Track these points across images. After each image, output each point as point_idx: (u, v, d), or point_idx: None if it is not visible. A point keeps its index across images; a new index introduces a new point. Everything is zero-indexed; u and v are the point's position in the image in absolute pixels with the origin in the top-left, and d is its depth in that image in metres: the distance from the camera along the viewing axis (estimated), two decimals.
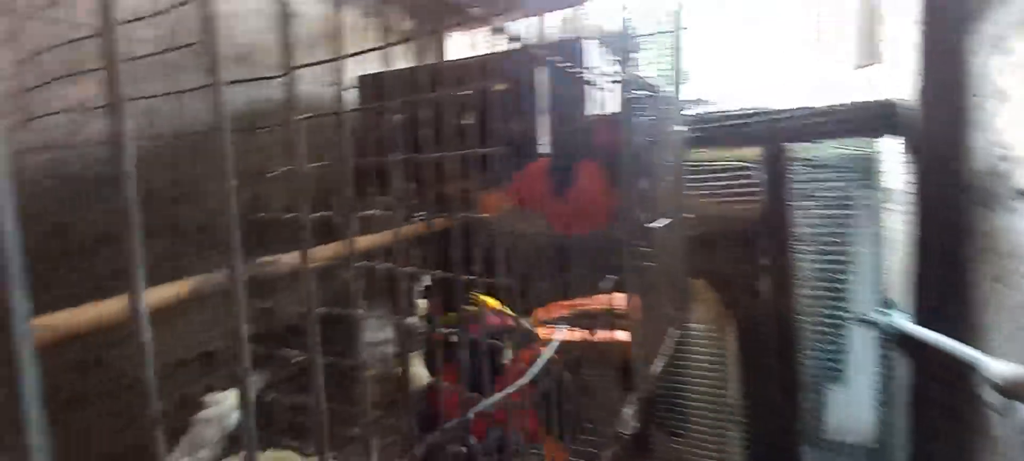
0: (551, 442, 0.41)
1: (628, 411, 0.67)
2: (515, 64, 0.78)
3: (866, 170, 1.47)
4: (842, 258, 1.51)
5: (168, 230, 0.82)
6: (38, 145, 0.72)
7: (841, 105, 1.30)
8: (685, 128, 1.21)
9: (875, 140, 1.41)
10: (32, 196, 0.70)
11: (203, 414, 0.43)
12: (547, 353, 0.36)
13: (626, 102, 0.67)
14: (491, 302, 0.77)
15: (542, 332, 0.74)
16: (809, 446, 1.61)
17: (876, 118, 1.27)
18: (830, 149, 1.42)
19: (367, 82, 1.22)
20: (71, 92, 0.74)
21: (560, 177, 0.48)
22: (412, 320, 0.38)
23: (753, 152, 1.44)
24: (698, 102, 1.49)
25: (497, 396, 0.33)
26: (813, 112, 1.32)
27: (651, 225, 0.78)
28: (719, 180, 1.46)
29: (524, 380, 0.35)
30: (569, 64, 0.67)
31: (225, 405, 0.45)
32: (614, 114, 0.66)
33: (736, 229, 1.45)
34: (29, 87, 0.70)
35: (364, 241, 0.55)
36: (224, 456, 0.39)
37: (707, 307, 1.56)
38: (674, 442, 1.70)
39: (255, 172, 0.85)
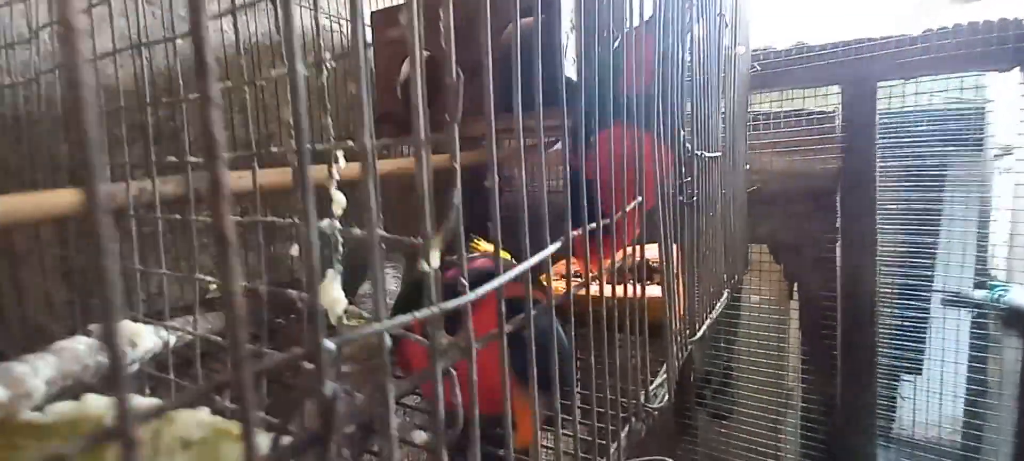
0: (520, 398, 0.28)
1: (658, 382, 0.53)
2: None
3: (970, 120, 1.22)
4: (933, 226, 1.28)
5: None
6: None
7: (946, 29, 1.05)
8: (747, 51, 1.01)
9: (986, 78, 1.15)
10: None
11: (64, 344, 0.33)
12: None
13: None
14: (482, 247, 0.63)
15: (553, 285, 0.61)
16: (882, 444, 1.40)
17: (995, 45, 1.01)
18: (928, 93, 1.17)
19: (380, 18, 1.11)
20: None
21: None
22: (328, 224, 0.25)
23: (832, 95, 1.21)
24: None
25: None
26: (908, 41, 1.08)
27: (703, 155, 0.62)
28: (789, 128, 1.24)
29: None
30: None
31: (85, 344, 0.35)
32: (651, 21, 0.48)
33: (807, 187, 1.23)
34: None
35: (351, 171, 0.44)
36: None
37: (767, 277, 1.36)
38: (719, 426, 1.53)
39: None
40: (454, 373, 0.23)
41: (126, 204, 0.46)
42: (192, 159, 0.42)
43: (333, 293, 0.29)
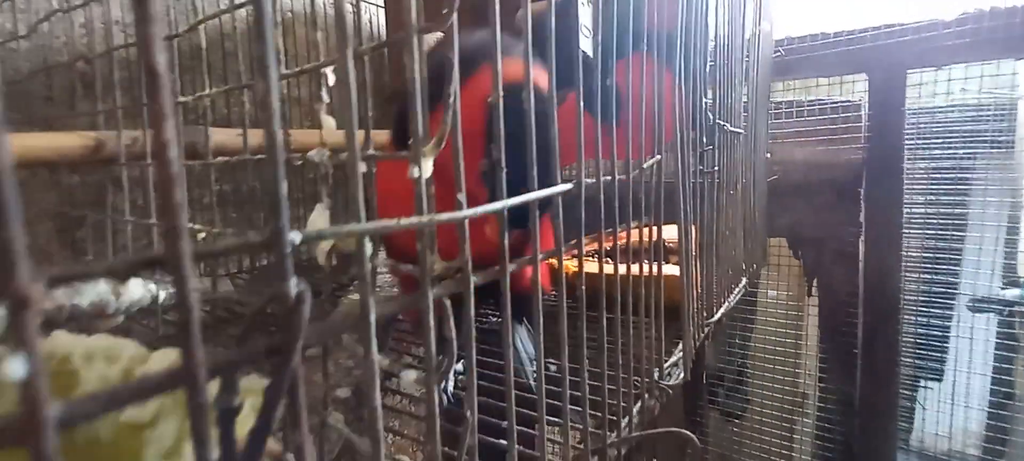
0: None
1: (673, 360, 0.50)
2: None
3: (1000, 117, 1.17)
4: (960, 227, 1.22)
5: None
6: None
7: (983, 12, 0.99)
8: (771, 29, 0.97)
9: (1020, 74, 1.09)
10: None
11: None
12: None
13: None
14: None
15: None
16: (901, 448, 1.34)
17: None
18: (961, 79, 1.12)
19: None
20: None
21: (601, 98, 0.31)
22: (317, 153, 0.22)
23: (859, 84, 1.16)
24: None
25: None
26: (942, 26, 1.03)
27: (725, 127, 0.59)
28: (812, 117, 1.19)
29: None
30: None
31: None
32: None
33: (830, 179, 1.18)
34: None
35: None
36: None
37: (785, 272, 1.32)
38: (732, 425, 1.49)
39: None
40: (447, 303, 0.21)
41: (117, 152, 0.44)
42: (182, 98, 0.39)
43: (320, 225, 0.27)
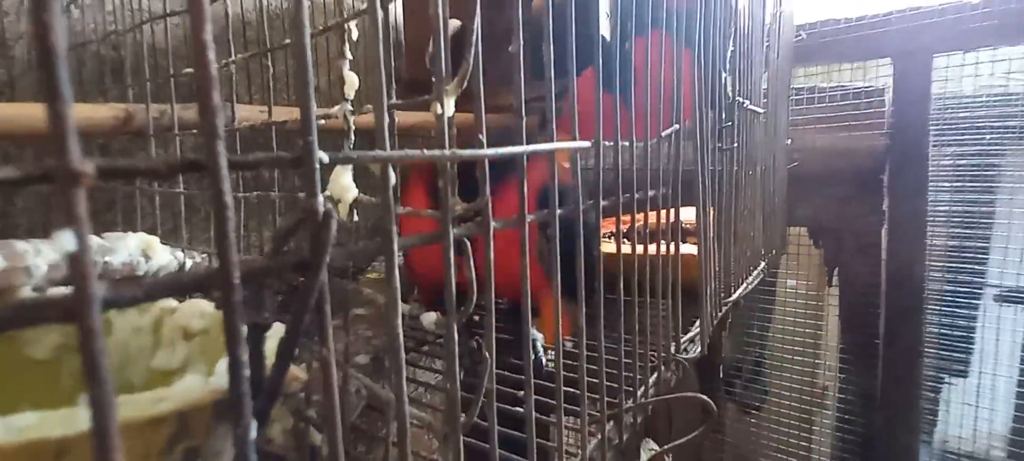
0: (547, 300, 0.25)
1: (690, 336, 0.50)
2: None
3: None
4: (987, 217, 1.19)
5: None
6: None
7: None
8: (791, 11, 0.95)
9: None
10: None
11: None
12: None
13: None
14: None
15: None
16: (925, 442, 1.31)
17: None
18: (988, 63, 1.08)
19: None
20: None
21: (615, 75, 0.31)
22: (340, 109, 0.23)
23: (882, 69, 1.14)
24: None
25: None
26: (970, 8, 1.00)
27: (744, 103, 0.58)
28: (833, 104, 1.17)
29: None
30: None
31: (118, 244, 0.34)
32: None
33: (851, 167, 1.16)
34: None
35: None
36: None
37: (804, 262, 1.30)
38: (749, 418, 1.47)
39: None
40: (468, 243, 0.21)
41: (145, 124, 0.46)
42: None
43: (343, 180, 0.27)
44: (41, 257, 0.27)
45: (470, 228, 0.21)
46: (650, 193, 0.39)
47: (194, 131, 0.46)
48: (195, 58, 0.12)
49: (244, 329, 0.14)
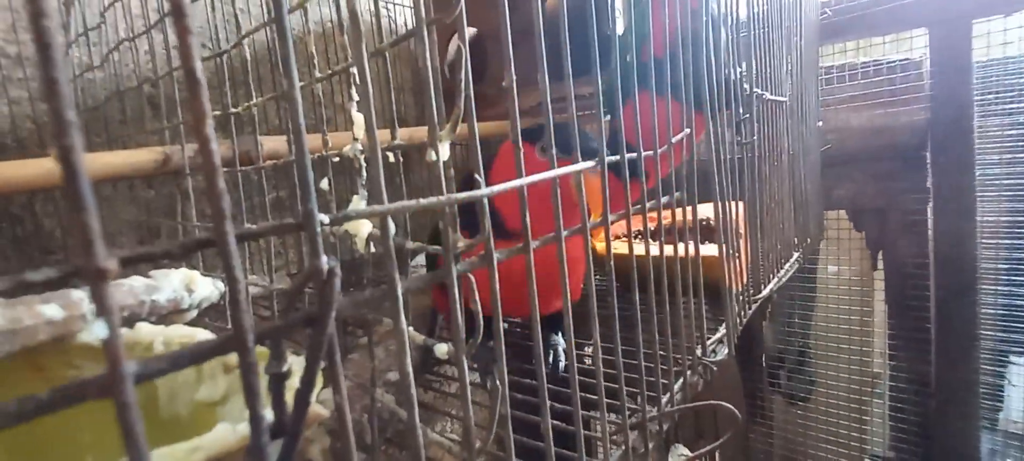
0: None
1: (717, 338, 0.49)
2: None
3: None
4: None
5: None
6: None
7: None
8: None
9: None
10: None
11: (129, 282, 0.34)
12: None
13: None
14: None
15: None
16: (986, 429, 1.25)
17: None
18: None
19: None
20: None
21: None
22: (350, 148, 0.24)
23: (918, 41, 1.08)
24: None
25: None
26: None
27: (763, 96, 0.57)
28: (867, 80, 1.12)
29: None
30: None
31: (162, 281, 0.36)
32: None
33: (891, 144, 1.11)
34: None
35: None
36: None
37: (845, 246, 1.25)
38: (797, 409, 1.43)
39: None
40: (472, 277, 0.22)
41: (182, 165, 0.49)
42: (233, 109, 0.43)
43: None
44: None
45: (473, 263, 0.22)
46: (664, 199, 0.39)
47: (225, 168, 0.49)
48: (201, 152, 0.13)
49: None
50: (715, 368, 0.45)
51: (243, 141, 0.50)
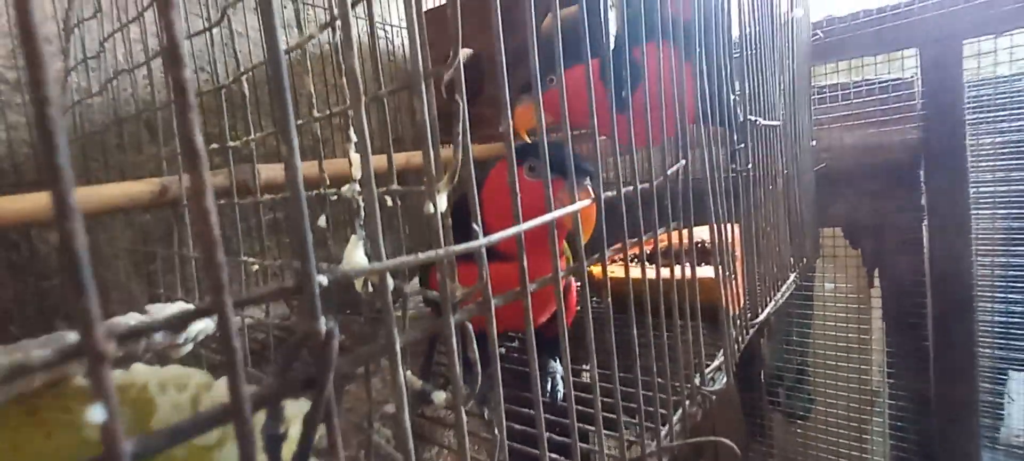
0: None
1: (714, 366, 0.49)
2: None
3: None
4: None
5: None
6: None
7: None
8: (806, 15, 0.93)
9: None
10: None
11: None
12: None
13: None
14: None
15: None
16: (987, 446, 1.24)
17: None
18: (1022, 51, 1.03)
19: (432, 18, 1.13)
20: None
21: (618, 74, 0.32)
22: (348, 189, 0.24)
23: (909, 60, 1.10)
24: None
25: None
26: None
27: (757, 122, 0.58)
28: (860, 99, 1.13)
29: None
30: None
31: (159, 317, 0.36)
32: None
33: (885, 162, 1.12)
34: None
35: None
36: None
37: (842, 263, 1.26)
38: (796, 427, 1.42)
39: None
40: (469, 326, 0.22)
41: (179, 195, 0.49)
42: (232, 143, 0.43)
43: (355, 257, 0.29)
44: None
45: (471, 311, 0.22)
46: (660, 231, 0.39)
47: (222, 200, 0.49)
48: (200, 223, 0.13)
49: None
50: (714, 397, 0.45)
51: (241, 170, 0.50)
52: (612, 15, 0.67)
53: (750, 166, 0.55)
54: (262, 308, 0.55)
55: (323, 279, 0.16)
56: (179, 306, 0.41)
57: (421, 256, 0.19)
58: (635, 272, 0.39)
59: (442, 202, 0.21)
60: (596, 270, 0.64)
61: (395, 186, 0.25)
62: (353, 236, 0.30)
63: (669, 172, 0.39)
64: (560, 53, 0.28)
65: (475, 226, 0.22)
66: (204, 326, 0.43)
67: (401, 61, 1.25)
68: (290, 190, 0.15)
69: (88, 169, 0.78)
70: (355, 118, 0.18)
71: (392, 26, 1.24)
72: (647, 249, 0.39)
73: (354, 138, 0.30)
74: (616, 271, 0.71)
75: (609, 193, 0.32)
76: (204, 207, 0.13)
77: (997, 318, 1.20)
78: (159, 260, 0.66)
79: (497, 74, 0.24)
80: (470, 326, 0.22)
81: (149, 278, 0.77)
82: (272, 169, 0.58)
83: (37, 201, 0.40)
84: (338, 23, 0.29)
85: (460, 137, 0.20)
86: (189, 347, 0.43)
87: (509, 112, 0.23)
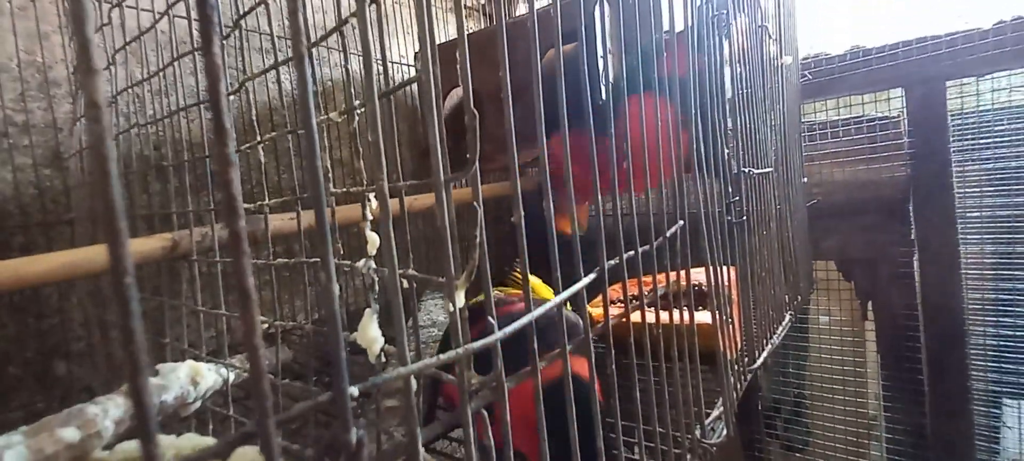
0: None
1: (714, 415, 0.50)
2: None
3: None
4: (1021, 218, 1.15)
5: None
6: None
7: (1020, 19, 0.96)
8: (795, 61, 0.97)
9: None
10: None
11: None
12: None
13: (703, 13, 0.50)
14: (539, 287, 0.63)
15: (597, 315, 0.60)
16: None
17: None
18: (1005, 89, 1.07)
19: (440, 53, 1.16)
20: None
21: (601, 125, 0.33)
22: (364, 264, 0.26)
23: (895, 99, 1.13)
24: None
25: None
26: (978, 35, 0.99)
27: (750, 173, 0.60)
28: (849, 136, 1.17)
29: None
30: None
31: (170, 378, 0.37)
32: (684, 32, 0.48)
33: (875, 197, 1.15)
34: None
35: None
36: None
37: (836, 296, 1.27)
38: (794, 458, 1.42)
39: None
40: (486, 414, 0.23)
41: (190, 249, 0.50)
42: (246, 205, 0.44)
43: (370, 332, 0.30)
44: (109, 417, 0.30)
45: (486, 396, 0.23)
46: (661, 291, 0.41)
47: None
48: (251, 360, 0.15)
49: None
50: (714, 449, 0.46)
51: (251, 221, 0.51)
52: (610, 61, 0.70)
53: (744, 218, 0.57)
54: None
55: (354, 390, 0.18)
56: (188, 366, 0.42)
57: (442, 357, 0.20)
58: (634, 316, 0.40)
59: (460, 299, 0.22)
60: (596, 312, 0.65)
61: (412, 271, 0.26)
62: (367, 310, 0.31)
63: (668, 234, 0.41)
64: (564, 113, 0.29)
65: (491, 320, 0.23)
66: (214, 382, 0.44)
67: (403, 98, 1.27)
68: (329, 322, 0.16)
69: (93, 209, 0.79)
70: (383, 230, 0.19)
71: (393, 63, 1.27)
72: (638, 288, 0.40)
73: (369, 216, 0.31)
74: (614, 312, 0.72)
75: (612, 261, 0.34)
76: (254, 344, 0.15)
77: (990, 345, 1.22)
78: (167, 319, 0.67)
79: (505, 118, 0.25)
80: (486, 414, 0.23)
81: (155, 328, 0.78)
82: (277, 219, 0.59)
83: (51, 262, 0.41)
84: (356, 106, 0.31)
85: (479, 252, 0.22)
86: (198, 405, 0.43)
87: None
